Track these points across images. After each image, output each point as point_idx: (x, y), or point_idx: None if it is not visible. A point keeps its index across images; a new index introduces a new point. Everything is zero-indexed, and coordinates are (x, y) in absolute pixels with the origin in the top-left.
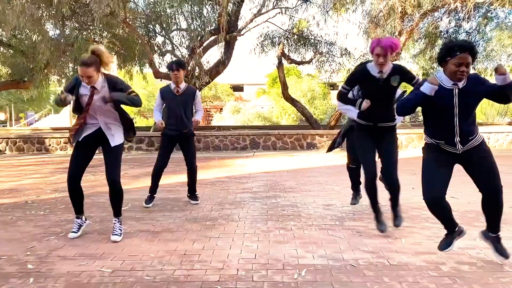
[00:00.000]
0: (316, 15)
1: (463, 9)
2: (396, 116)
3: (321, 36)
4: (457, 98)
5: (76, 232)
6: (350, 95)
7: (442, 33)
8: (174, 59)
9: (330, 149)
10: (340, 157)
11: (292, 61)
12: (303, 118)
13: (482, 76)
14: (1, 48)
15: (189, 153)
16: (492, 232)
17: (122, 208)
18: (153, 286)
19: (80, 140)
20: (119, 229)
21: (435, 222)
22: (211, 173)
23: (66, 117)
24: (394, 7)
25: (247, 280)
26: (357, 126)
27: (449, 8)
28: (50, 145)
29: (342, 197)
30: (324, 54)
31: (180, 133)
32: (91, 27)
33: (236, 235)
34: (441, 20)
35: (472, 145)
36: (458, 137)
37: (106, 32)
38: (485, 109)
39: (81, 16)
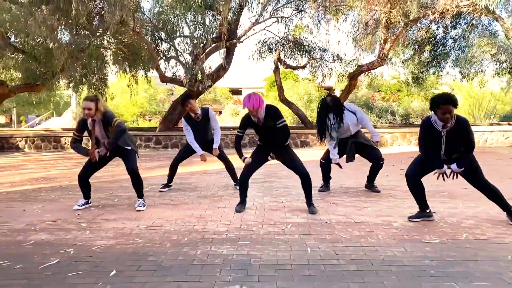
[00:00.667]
0: (310, 24)
1: (441, 20)
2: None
3: (314, 43)
4: (444, 138)
5: (80, 207)
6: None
7: (431, 39)
8: (179, 64)
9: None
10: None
11: (288, 66)
12: (299, 120)
13: (465, 80)
14: (15, 54)
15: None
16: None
17: (144, 190)
18: (179, 234)
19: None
20: (142, 203)
21: (397, 198)
22: (215, 165)
23: (68, 121)
24: (379, 18)
25: (247, 230)
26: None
27: (429, 19)
28: (65, 143)
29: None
30: (317, 59)
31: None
32: (103, 35)
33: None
34: (429, 27)
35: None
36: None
37: (112, 39)
38: (473, 110)
39: (93, 25)
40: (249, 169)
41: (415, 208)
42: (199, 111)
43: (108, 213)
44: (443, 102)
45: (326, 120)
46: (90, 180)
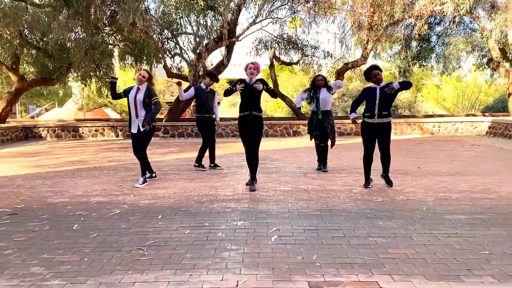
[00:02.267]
0: (301, 25)
1: (419, 21)
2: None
3: (307, 41)
4: (378, 95)
5: (141, 184)
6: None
7: (416, 36)
8: (182, 60)
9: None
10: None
11: (282, 63)
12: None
13: (445, 74)
14: (30, 50)
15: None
16: (384, 173)
17: (164, 169)
18: (199, 196)
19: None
20: (142, 181)
21: (361, 176)
22: (219, 151)
23: (72, 111)
24: (363, 21)
25: (247, 194)
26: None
27: (406, 23)
28: (83, 132)
29: (310, 163)
30: (309, 56)
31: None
32: (114, 35)
33: (240, 180)
34: (414, 25)
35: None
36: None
37: (121, 37)
38: (458, 101)
39: (107, 26)
40: (247, 148)
41: (374, 182)
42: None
43: (142, 186)
44: (371, 70)
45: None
46: (116, 164)
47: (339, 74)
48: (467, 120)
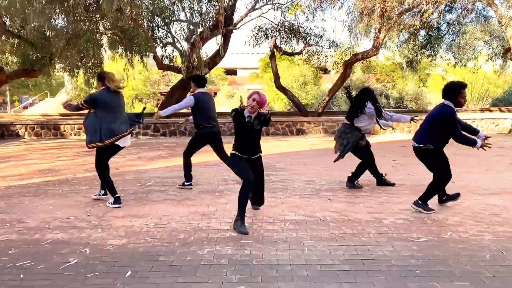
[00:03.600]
0: (305, 10)
1: (435, 8)
2: None
3: (310, 29)
4: None
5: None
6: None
7: (425, 24)
8: (175, 50)
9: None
10: (322, 141)
11: (284, 53)
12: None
13: (459, 66)
14: (11, 39)
15: None
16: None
17: (147, 184)
18: (185, 232)
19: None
20: (112, 201)
21: (388, 192)
22: (214, 155)
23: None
24: (374, 7)
25: (249, 228)
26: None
27: (422, 9)
28: (65, 131)
29: (321, 175)
30: (313, 46)
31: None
32: (99, 21)
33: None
34: (424, 12)
35: None
36: None
37: (109, 25)
38: (468, 94)
39: (90, 12)
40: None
41: (405, 204)
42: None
43: (116, 209)
44: (463, 87)
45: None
46: (91, 175)
47: (347, 66)
48: (488, 117)
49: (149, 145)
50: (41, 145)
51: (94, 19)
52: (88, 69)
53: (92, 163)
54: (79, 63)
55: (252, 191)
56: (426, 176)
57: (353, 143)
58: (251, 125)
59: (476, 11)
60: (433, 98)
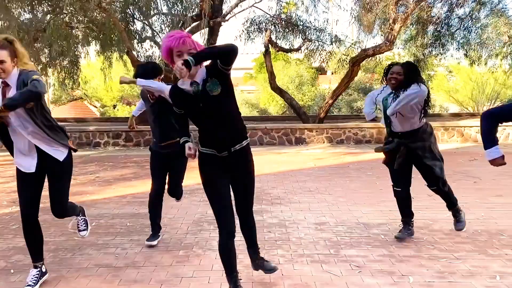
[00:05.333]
0: (305, 0)
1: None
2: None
3: (310, 22)
4: None
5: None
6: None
7: (434, 19)
8: (155, 46)
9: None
10: (328, 155)
11: (280, 49)
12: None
13: (476, 64)
14: None
15: None
16: None
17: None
18: None
19: None
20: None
21: (449, 248)
22: (191, 177)
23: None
24: None
25: None
26: None
27: None
28: None
29: (335, 210)
30: (313, 41)
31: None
32: (64, 12)
33: (213, 272)
34: (433, 5)
35: None
36: None
37: (81, 17)
38: (475, 95)
39: (52, 1)
40: (224, 211)
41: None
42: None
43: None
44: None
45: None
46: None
47: (355, 64)
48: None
49: (114, 160)
50: None
51: (57, 10)
52: (63, 68)
53: None
54: (53, 61)
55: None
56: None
57: (437, 149)
58: (202, 94)
59: (491, 3)
60: (438, 101)
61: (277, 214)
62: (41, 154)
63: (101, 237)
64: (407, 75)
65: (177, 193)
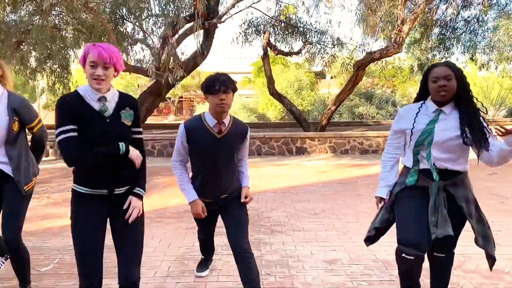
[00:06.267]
0: (306, 1)
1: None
2: None
3: (311, 24)
4: None
5: None
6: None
7: (439, 21)
8: (146, 49)
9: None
10: (332, 167)
11: (279, 52)
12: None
13: (485, 68)
14: None
15: None
16: None
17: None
18: None
19: None
20: None
21: None
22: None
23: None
24: None
25: None
26: None
27: None
28: None
29: (347, 242)
30: (314, 44)
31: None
32: (52, 13)
33: None
34: (437, 7)
35: None
36: None
37: (68, 18)
38: (480, 101)
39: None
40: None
41: None
42: (227, 120)
43: None
44: None
45: None
46: None
47: (360, 68)
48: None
49: None
50: None
51: (41, 9)
52: (53, 72)
53: None
54: (42, 64)
55: None
56: None
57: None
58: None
59: (498, 6)
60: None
61: (278, 248)
62: None
63: (61, 282)
64: (461, 79)
65: None
